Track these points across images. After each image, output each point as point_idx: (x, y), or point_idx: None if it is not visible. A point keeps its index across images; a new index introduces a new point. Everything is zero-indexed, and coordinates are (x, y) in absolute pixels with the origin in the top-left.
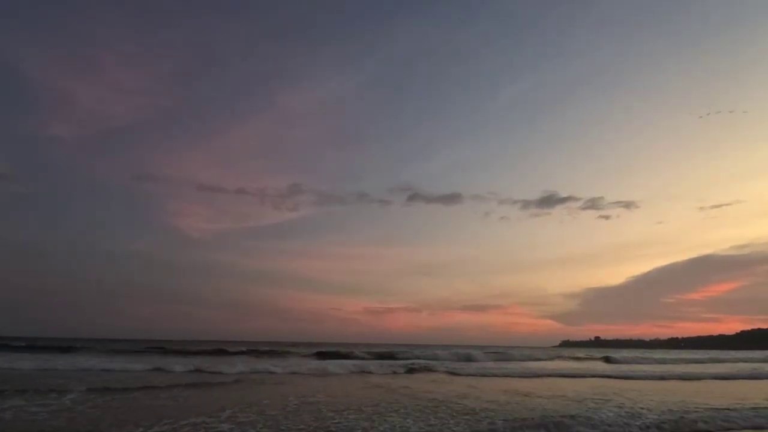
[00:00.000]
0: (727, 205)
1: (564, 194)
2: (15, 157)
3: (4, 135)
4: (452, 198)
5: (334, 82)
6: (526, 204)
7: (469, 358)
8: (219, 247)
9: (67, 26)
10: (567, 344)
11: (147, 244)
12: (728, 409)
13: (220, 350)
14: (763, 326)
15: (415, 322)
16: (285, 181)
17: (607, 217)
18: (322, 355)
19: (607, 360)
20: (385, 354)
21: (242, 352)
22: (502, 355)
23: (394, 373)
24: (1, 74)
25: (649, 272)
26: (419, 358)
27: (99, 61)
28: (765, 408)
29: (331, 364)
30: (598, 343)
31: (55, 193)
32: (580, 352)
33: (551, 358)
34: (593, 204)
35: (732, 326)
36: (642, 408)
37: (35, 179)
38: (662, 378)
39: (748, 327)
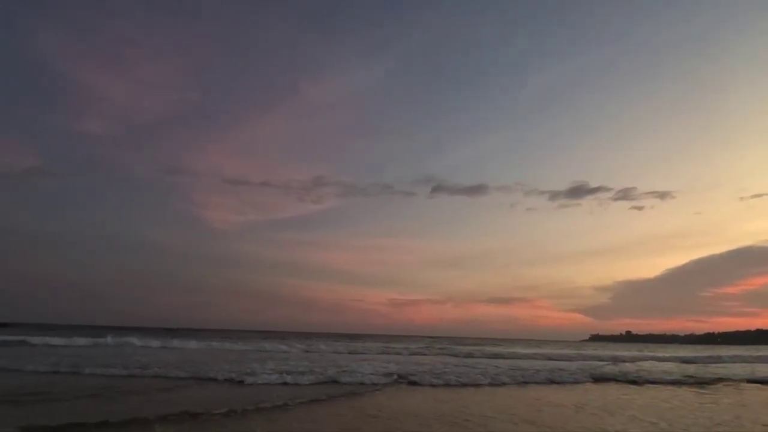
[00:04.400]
0: None
1: (594, 184)
2: (50, 152)
3: (40, 130)
4: (477, 189)
5: (358, 72)
6: (554, 195)
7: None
8: (244, 239)
9: (97, 23)
10: (597, 338)
11: (175, 235)
12: None
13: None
14: None
15: (439, 314)
16: (309, 173)
17: (640, 208)
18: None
19: None
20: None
21: None
22: None
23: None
24: (36, 71)
25: (686, 265)
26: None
27: (127, 56)
28: None
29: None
30: (629, 337)
31: (87, 186)
32: (616, 348)
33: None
34: (626, 194)
35: None
36: None
37: (69, 173)
38: None
39: None
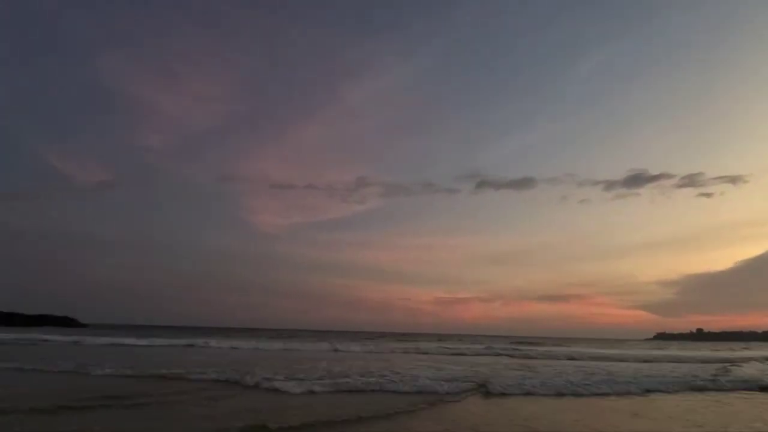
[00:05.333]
0: None
1: (655, 171)
2: (117, 166)
3: (109, 147)
4: (524, 183)
5: (395, 71)
6: (609, 185)
7: None
8: (291, 241)
9: (151, 43)
10: (663, 337)
11: (228, 240)
12: None
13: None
14: None
15: (488, 313)
16: (352, 174)
17: (708, 195)
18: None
19: None
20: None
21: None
22: None
23: None
24: (103, 93)
25: (762, 255)
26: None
27: (179, 72)
28: None
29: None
30: (700, 335)
31: (150, 196)
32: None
33: None
34: (691, 181)
35: None
36: None
37: (134, 185)
38: None
39: None
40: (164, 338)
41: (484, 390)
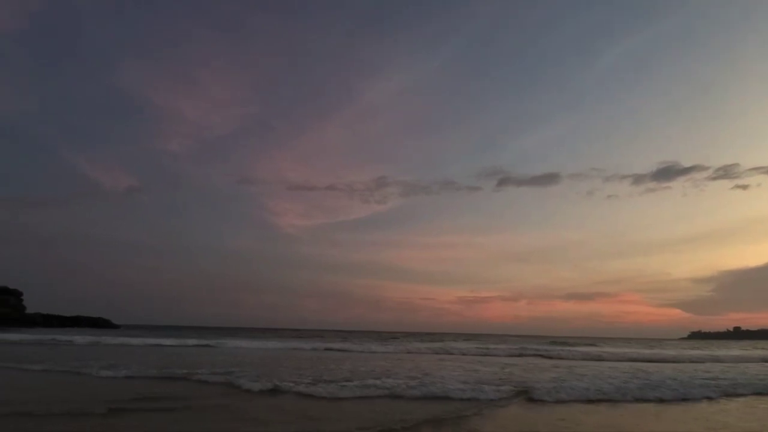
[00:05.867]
0: None
1: (687, 164)
2: (143, 172)
3: (134, 153)
4: (548, 178)
5: (412, 69)
6: (638, 178)
7: None
8: (313, 242)
9: (170, 50)
10: (698, 336)
11: (250, 241)
12: None
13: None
14: None
15: (512, 312)
16: (371, 174)
17: (744, 187)
18: None
19: None
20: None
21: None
22: None
23: None
24: (126, 101)
25: None
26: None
27: (197, 78)
28: None
29: None
30: (738, 334)
31: (175, 200)
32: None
33: None
34: (726, 172)
35: None
36: None
37: (158, 189)
38: None
39: None
40: (194, 338)
41: (526, 396)
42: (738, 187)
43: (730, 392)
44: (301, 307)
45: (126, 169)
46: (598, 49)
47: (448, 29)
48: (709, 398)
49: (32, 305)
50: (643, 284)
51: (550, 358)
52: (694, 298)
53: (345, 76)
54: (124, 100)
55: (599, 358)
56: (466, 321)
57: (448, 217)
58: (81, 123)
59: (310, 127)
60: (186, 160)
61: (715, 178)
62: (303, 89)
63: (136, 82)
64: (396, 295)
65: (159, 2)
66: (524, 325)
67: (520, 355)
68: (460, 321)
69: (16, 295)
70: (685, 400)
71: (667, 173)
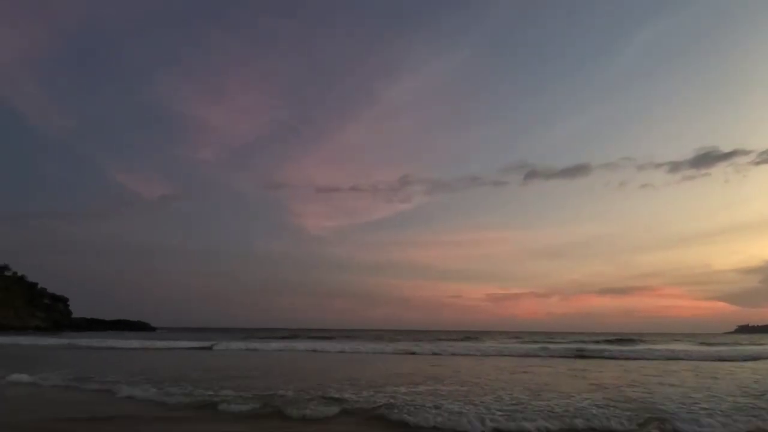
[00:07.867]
0: None
1: (728, 149)
2: (177, 180)
3: (169, 162)
4: (577, 170)
5: (432, 66)
6: (674, 166)
7: None
8: (339, 242)
9: (198, 62)
10: (746, 330)
11: (278, 244)
12: None
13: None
14: None
15: (545, 308)
16: (395, 173)
17: None
18: None
19: None
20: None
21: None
22: None
23: None
24: (161, 112)
25: None
26: None
27: (225, 87)
28: None
29: None
30: None
31: (207, 207)
32: None
33: None
34: None
35: None
36: None
37: (191, 197)
38: None
39: None
40: (238, 341)
41: (661, 426)
42: None
43: None
44: (328, 308)
45: (162, 179)
46: (625, 37)
47: (469, 24)
48: None
49: (78, 310)
50: (682, 277)
51: (626, 359)
52: (740, 290)
53: (367, 77)
54: (158, 113)
55: (675, 357)
56: (495, 318)
57: (474, 213)
58: (118, 136)
59: (334, 130)
60: (217, 168)
61: (759, 163)
62: (326, 93)
63: (168, 94)
64: (424, 293)
65: (186, 16)
66: (558, 321)
67: (582, 357)
68: (488, 318)
69: (64, 301)
70: None
71: (707, 159)
